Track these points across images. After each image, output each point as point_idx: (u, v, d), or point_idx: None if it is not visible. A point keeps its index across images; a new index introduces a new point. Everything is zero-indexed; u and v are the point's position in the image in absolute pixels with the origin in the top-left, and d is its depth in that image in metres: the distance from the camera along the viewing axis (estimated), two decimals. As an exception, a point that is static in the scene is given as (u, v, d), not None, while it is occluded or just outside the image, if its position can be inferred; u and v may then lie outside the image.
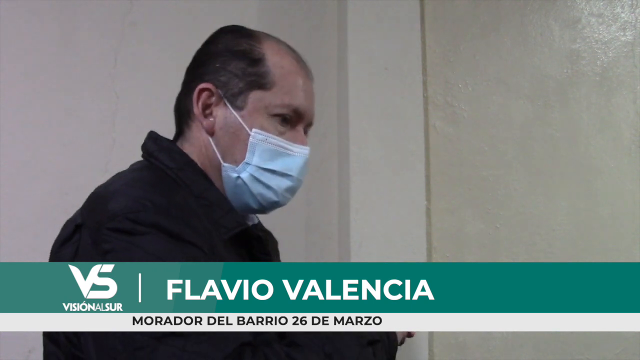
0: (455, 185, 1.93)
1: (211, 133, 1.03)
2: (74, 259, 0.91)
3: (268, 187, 1.04)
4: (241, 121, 1.02)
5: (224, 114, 1.03)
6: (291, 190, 1.06)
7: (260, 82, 1.02)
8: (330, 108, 1.90)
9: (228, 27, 1.10)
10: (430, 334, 1.86)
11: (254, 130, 1.02)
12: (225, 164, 1.03)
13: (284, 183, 1.05)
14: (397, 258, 1.79)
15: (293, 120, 1.05)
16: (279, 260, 1.18)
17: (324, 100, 1.91)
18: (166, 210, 0.89)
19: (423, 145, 1.86)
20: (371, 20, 1.84)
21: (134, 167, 1.05)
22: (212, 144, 1.04)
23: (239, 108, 1.02)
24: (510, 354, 1.92)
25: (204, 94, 1.04)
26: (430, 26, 1.94)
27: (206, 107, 1.04)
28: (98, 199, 0.95)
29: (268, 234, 1.19)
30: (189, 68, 1.09)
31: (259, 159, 1.02)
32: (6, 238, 1.67)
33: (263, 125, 1.02)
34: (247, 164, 1.02)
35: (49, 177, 1.71)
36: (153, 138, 1.08)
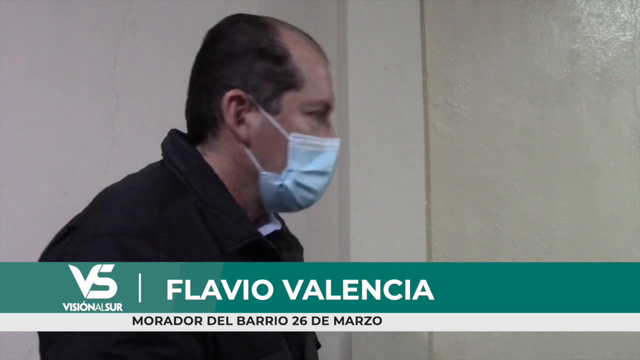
0: (455, 185, 1.93)
1: (246, 142, 0.97)
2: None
3: (310, 189, 1.01)
4: (278, 127, 0.97)
5: (258, 120, 0.97)
6: (327, 186, 1.04)
7: (290, 82, 0.97)
8: (330, 108, 1.90)
9: (232, 18, 1.02)
10: (430, 333, 1.86)
11: (292, 135, 0.97)
12: (266, 173, 0.98)
13: (323, 181, 1.02)
14: (397, 258, 1.79)
15: (323, 113, 1.02)
16: None
17: (324, 100, 1.91)
18: (151, 234, 0.85)
19: (423, 145, 1.86)
20: (371, 20, 1.84)
21: (147, 168, 1.02)
22: (249, 153, 0.98)
23: (273, 113, 0.97)
24: (510, 354, 1.92)
25: (234, 102, 0.96)
26: (430, 26, 1.94)
27: (237, 114, 0.97)
28: (98, 204, 0.94)
29: (294, 239, 1.14)
30: (201, 70, 1.01)
31: (299, 164, 0.99)
32: (6, 238, 1.67)
33: (299, 127, 0.98)
34: (290, 170, 0.98)
35: (49, 177, 1.71)
36: (172, 137, 1.02)
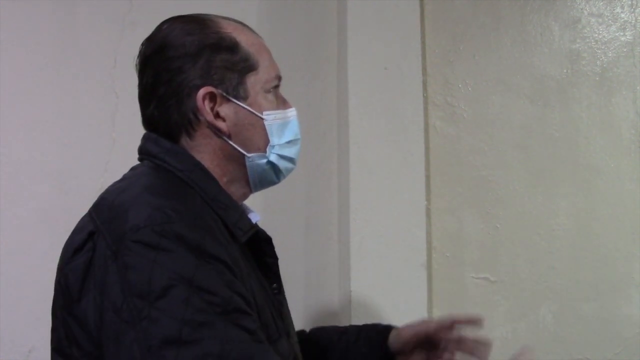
0: (455, 185, 1.93)
1: (227, 133, 1.03)
2: (88, 268, 0.90)
3: (290, 159, 1.09)
4: (251, 110, 1.03)
5: (232, 110, 1.02)
6: (299, 151, 1.12)
7: (248, 65, 1.03)
8: (330, 108, 1.90)
9: (168, 23, 1.06)
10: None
11: (264, 113, 1.04)
12: (251, 154, 1.04)
13: (296, 148, 1.10)
14: (397, 258, 1.79)
15: (276, 87, 1.08)
16: None
17: (324, 100, 1.91)
18: (189, 219, 0.89)
19: (423, 145, 1.86)
20: (371, 20, 1.84)
21: (142, 171, 1.03)
22: (232, 142, 1.03)
23: (243, 99, 1.03)
24: (510, 354, 1.92)
25: (207, 99, 1.01)
26: (430, 26, 1.94)
27: (211, 109, 1.02)
28: (115, 208, 0.92)
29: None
30: (157, 81, 1.02)
31: (277, 138, 1.05)
32: (6, 238, 1.67)
33: (267, 105, 1.05)
34: (272, 146, 1.05)
35: (49, 177, 1.71)
36: (152, 139, 1.05)
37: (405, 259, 1.80)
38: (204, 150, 1.03)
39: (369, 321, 1.47)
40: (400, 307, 1.78)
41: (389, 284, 1.79)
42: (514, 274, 1.93)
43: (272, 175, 1.08)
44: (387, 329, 1.30)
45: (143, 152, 1.06)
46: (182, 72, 1.00)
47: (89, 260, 0.89)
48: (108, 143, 1.76)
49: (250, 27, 1.09)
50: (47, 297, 1.70)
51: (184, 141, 1.03)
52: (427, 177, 1.89)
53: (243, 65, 1.03)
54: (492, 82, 1.97)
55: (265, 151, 1.05)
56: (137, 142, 1.76)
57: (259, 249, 1.05)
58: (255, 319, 0.90)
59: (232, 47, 1.02)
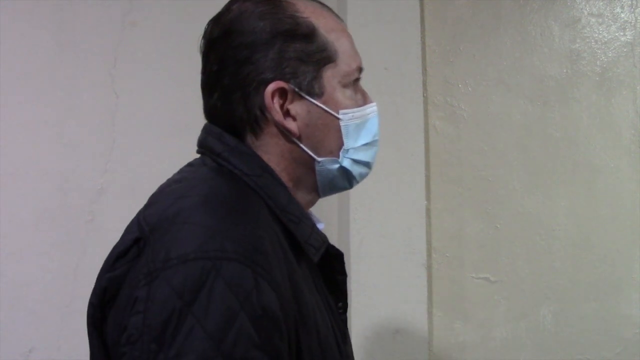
0: (455, 185, 1.93)
1: (297, 134, 0.89)
2: (123, 282, 0.79)
3: (366, 163, 0.96)
4: (327, 109, 0.90)
5: (305, 108, 0.89)
6: (376, 154, 0.99)
7: (326, 57, 0.90)
8: (330, 108, 1.90)
9: (238, 0, 0.92)
10: (430, 333, 1.86)
11: (341, 112, 0.91)
12: (322, 159, 0.91)
13: (374, 151, 0.97)
14: (397, 258, 1.79)
15: (356, 80, 0.95)
16: None
17: (324, 100, 1.91)
18: (250, 258, 0.76)
19: (423, 145, 1.86)
20: (371, 20, 1.84)
21: (203, 174, 0.89)
22: (302, 145, 0.90)
23: (318, 95, 0.89)
24: (510, 354, 1.92)
25: (277, 95, 0.88)
26: (430, 26, 1.94)
27: (281, 107, 0.89)
28: (167, 219, 0.80)
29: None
30: (222, 70, 0.90)
31: (353, 140, 0.93)
32: (6, 238, 1.67)
33: (344, 102, 0.92)
34: (346, 150, 0.93)
35: (49, 177, 1.71)
36: (216, 134, 0.91)
37: (405, 259, 1.80)
38: (270, 152, 0.90)
39: (368, 321, 1.47)
40: (400, 307, 1.78)
41: (389, 284, 1.79)
42: (514, 274, 1.93)
43: (344, 181, 0.96)
44: None
45: (204, 146, 0.92)
46: (250, 63, 0.87)
47: (126, 273, 0.79)
48: (108, 143, 1.76)
49: (331, 9, 0.95)
50: (47, 297, 1.71)
51: (250, 139, 0.90)
52: (427, 177, 1.89)
53: (320, 57, 0.89)
54: (492, 82, 1.97)
55: (337, 155, 0.92)
56: (137, 142, 1.77)
57: (328, 265, 0.94)
58: None
59: (309, 34, 0.89)
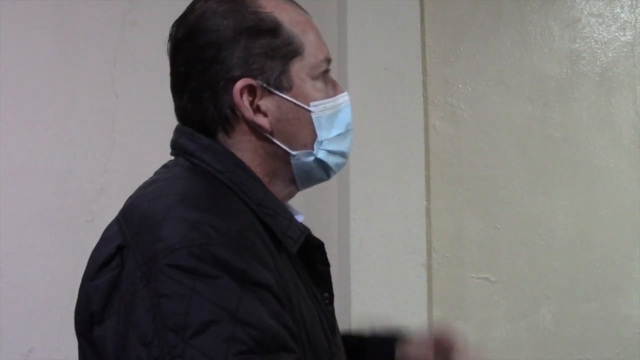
0: (455, 185, 1.93)
1: (269, 130, 0.89)
2: (114, 288, 0.79)
3: (341, 153, 0.95)
4: (297, 102, 0.90)
5: (275, 103, 0.89)
6: (352, 143, 0.98)
7: (292, 50, 0.89)
8: (330, 108, 1.90)
9: (199, 2, 0.92)
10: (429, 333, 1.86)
11: (312, 105, 0.91)
12: (296, 152, 0.91)
13: (348, 140, 0.96)
14: (397, 258, 1.79)
15: (325, 71, 0.94)
16: None
17: (324, 100, 1.91)
18: (232, 239, 0.77)
19: (423, 145, 1.86)
20: (371, 20, 1.84)
21: (177, 173, 0.90)
22: (275, 140, 0.90)
23: (287, 90, 0.89)
24: (510, 354, 1.92)
25: (245, 92, 0.87)
26: (430, 26, 1.94)
27: (251, 104, 0.88)
28: (146, 219, 0.81)
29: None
30: (189, 71, 0.90)
31: (326, 131, 0.92)
32: (6, 238, 1.67)
33: (314, 95, 0.91)
34: (320, 141, 0.92)
35: (49, 177, 1.71)
36: (187, 134, 0.91)
37: (405, 259, 1.80)
38: (243, 149, 0.90)
39: (368, 321, 1.46)
40: (400, 307, 1.78)
41: (389, 284, 1.79)
42: (514, 274, 1.94)
43: (322, 172, 0.95)
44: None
45: (177, 147, 0.93)
46: (217, 62, 0.87)
47: (116, 279, 0.78)
48: (108, 143, 1.76)
49: (295, 1, 0.95)
50: (47, 297, 1.71)
51: (222, 138, 0.90)
52: (427, 177, 1.89)
53: (286, 50, 0.89)
54: (492, 82, 1.97)
55: (312, 148, 0.92)
56: (137, 142, 1.77)
57: (309, 256, 0.94)
58: (300, 356, 0.80)
59: (274, 29, 0.89)
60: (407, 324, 1.27)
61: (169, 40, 0.94)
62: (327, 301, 0.97)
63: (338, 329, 1.00)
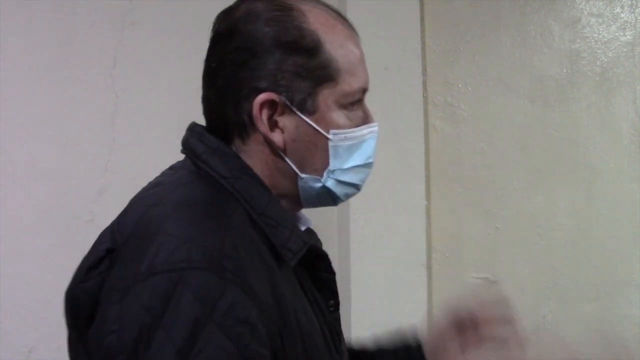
0: (455, 185, 1.93)
1: (282, 147, 0.87)
2: (97, 294, 0.78)
3: (353, 185, 0.92)
4: (317, 127, 0.87)
5: (294, 123, 0.86)
6: (369, 176, 0.95)
7: (326, 75, 0.86)
8: (330, 108, 1.90)
9: (247, 1, 0.89)
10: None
11: (331, 132, 0.87)
12: (305, 176, 0.89)
13: (365, 174, 0.93)
14: (397, 258, 1.79)
15: (360, 100, 0.92)
16: None
17: (324, 100, 1.91)
18: (217, 265, 0.75)
19: (423, 145, 1.86)
20: (371, 20, 1.84)
21: (180, 177, 0.88)
22: (286, 159, 0.88)
23: (310, 113, 0.86)
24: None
25: (266, 107, 0.85)
26: (430, 26, 1.94)
27: (269, 118, 0.86)
28: (141, 228, 0.80)
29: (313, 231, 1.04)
30: (219, 69, 0.88)
31: (341, 161, 0.89)
32: (6, 238, 1.67)
33: (337, 122, 0.88)
34: (332, 171, 0.89)
35: (49, 177, 1.71)
36: (198, 134, 0.89)
37: (405, 259, 1.80)
38: (255, 157, 0.88)
39: (368, 321, 1.46)
40: (400, 307, 1.79)
41: (389, 284, 1.79)
42: (514, 274, 1.94)
43: (328, 199, 0.92)
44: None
45: (186, 147, 0.91)
46: (247, 69, 0.85)
47: (99, 287, 0.78)
48: (108, 143, 1.76)
49: (348, 20, 0.92)
50: (47, 297, 1.71)
51: (237, 142, 0.88)
52: (427, 177, 1.89)
53: (320, 73, 0.86)
54: (492, 82, 1.97)
55: (321, 175, 0.89)
56: (137, 142, 1.77)
57: (314, 265, 0.93)
58: None
59: (313, 49, 0.86)
60: (407, 324, 1.27)
61: (212, 29, 0.91)
62: (332, 309, 0.96)
63: (343, 336, 0.99)
